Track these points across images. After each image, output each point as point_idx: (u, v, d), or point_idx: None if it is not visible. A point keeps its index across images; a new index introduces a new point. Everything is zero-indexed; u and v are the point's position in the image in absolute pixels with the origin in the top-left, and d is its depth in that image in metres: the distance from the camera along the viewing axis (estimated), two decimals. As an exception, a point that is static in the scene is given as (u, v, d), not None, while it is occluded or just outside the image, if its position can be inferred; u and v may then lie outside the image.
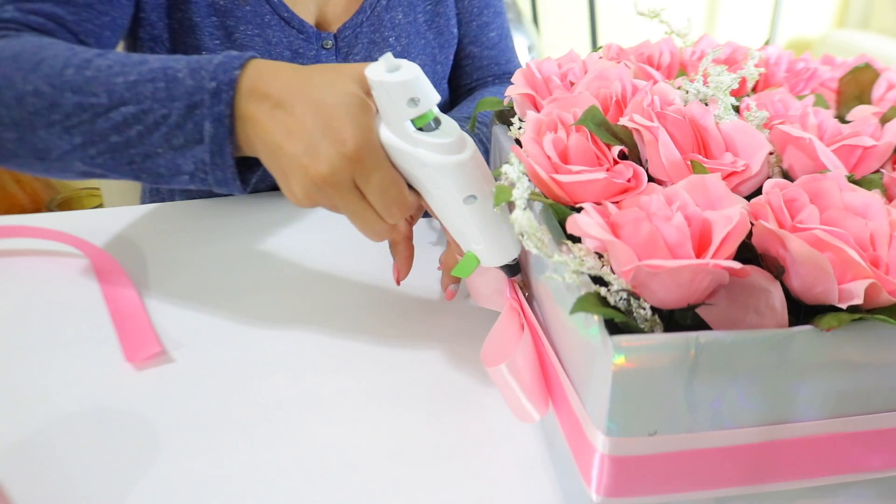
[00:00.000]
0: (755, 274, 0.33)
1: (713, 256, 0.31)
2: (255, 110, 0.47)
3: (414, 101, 0.42)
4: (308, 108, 0.45)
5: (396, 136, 0.43)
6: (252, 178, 0.53)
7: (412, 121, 0.42)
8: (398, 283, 0.56)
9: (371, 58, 0.81)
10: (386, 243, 0.61)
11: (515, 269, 0.46)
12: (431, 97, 0.42)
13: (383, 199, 0.45)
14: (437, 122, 0.43)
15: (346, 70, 0.47)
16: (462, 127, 0.50)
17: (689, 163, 0.39)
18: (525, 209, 0.35)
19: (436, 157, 0.42)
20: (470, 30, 0.90)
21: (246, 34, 0.74)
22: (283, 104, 0.46)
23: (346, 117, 0.44)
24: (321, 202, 0.46)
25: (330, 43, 0.79)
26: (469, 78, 0.92)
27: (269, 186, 0.80)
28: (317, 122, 0.44)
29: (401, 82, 0.41)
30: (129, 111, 0.49)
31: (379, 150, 0.44)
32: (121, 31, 0.70)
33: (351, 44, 0.80)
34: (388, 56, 0.42)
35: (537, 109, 0.49)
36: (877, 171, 0.43)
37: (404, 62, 0.43)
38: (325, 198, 0.46)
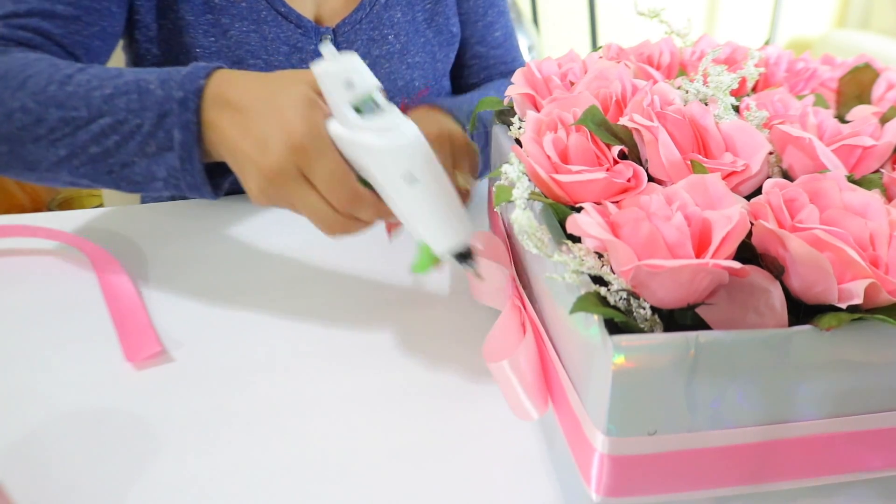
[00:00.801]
0: (755, 274, 0.33)
1: (713, 256, 0.31)
2: (218, 116, 0.49)
3: (350, 84, 0.44)
4: (262, 109, 0.47)
5: (341, 125, 0.45)
6: (224, 182, 0.55)
7: (354, 107, 0.44)
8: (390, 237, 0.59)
9: (370, 55, 0.81)
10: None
11: (467, 258, 0.46)
12: (369, 80, 0.45)
13: (331, 187, 0.46)
14: (378, 106, 0.45)
15: (301, 75, 0.49)
16: (461, 119, 0.51)
17: (688, 163, 0.39)
18: (525, 209, 0.35)
19: (375, 139, 0.44)
20: (476, 30, 0.91)
21: (241, 31, 0.74)
22: (241, 109, 0.48)
23: (293, 112, 0.46)
24: (275, 198, 0.48)
25: (329, 38, 0.79)
26: (476, 77, 0.93)
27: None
28: (268, 120, 0.46)
29: (337, 67, 0.44)
30: (107, 122, 0.52)
31: (324, 138, 0.46)
32: (113, 39, 0.71)
33: (350, 39, 0.80)
34: (328, 46, 0.45)
35: (537, 109, 0.49)
36: (876, 171, 0.43)
37: (346, 52, 0.46)
38: (278, 191, 0.47)
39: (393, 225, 0.57)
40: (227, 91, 0.49)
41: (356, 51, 0.80)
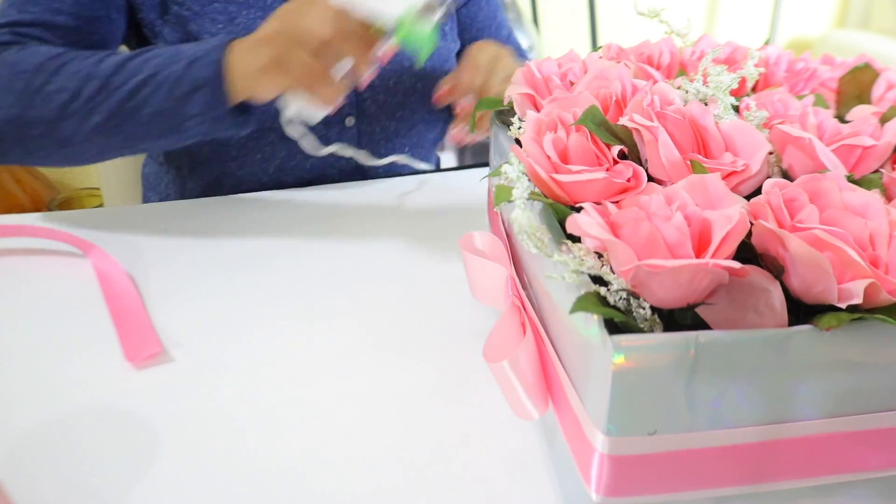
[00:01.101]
0: (755, 274, 0.33)
1: (713, 256, 0.31)
2: (240, 50, 0.61)
3: None
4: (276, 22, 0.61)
5: None
6: (251, 118, 0.65)
7: None
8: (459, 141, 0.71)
9: None
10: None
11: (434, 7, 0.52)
12: None
13: (322, 20, 0.58)
14: None
15: None
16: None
17: (688, 162, 0.39)
18: (525, 209, 0.35)
19: None
20: (490, 33, 0.95)
21: (249, 18, 0.75)
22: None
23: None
24: (275, 65, 0.59)
25: None
26: None
27: (269, 185, 0.81)
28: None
29: None
30: (140, 79, 0.61)
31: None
32: (114, 45, 0.74)
33: None
34: None
35: (537, 109, 0.49)
36: (876, 171, 0.43)
37: None
38: (277, 53, 0.59)
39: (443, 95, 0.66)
40: (247, 38, 0.61)
41: None
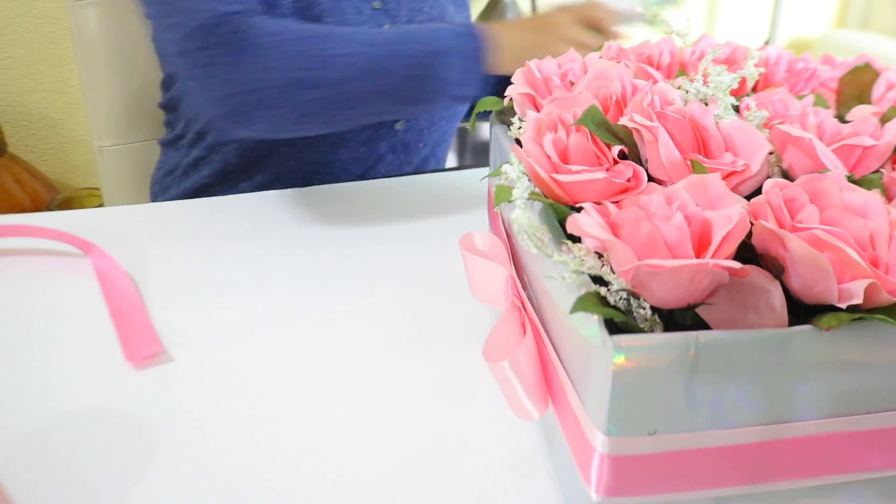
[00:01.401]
0: (755, 274, 0.33)
1: (713, 256, 0.31)
2: (502, 27, 0.70)
3: None
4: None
5: None
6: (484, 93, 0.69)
7: None
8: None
9: (414, 21, 0.87)
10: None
11: None
12: None
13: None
14: None
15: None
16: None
17: (688, 162, 0.39)
18: (525, 209, 0.35)
19: None
20: None
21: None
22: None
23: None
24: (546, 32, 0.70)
25: (379, 3, 0.84)
26: None
27: (268, 185, 0.81)
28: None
29: None
30: (420, 48, 0.67)
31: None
32: None
33: (395, 9, 0.85)
34: None
35: (537, 109, 0.49)
36: (876, 171, 0.42)
37: None
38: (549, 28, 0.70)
39: None
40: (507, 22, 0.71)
41: (402, 17, 0.87)
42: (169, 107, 0.92)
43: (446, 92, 0.69)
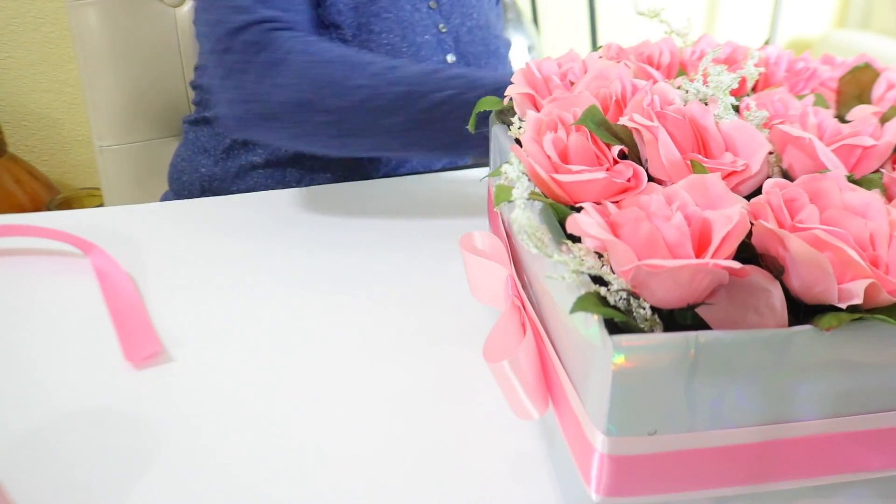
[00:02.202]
0: (755, 274, 0.33)
1: (713, 256, 0.31)
2: None
3: None
4: None
5: None
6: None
7: None
8: None
9: (465, 25, 0.89)
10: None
11: None
12: None
13: None
14: None
15: None
16: None
17: (688, 162, 0.39)
18: (525, 209, 0.35)
19: None
20: None
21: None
22: None
23: None
24: None
25: (434, 4, 0.86)
26: None
27: (316, 170, 0.82)
28: None
29: None
30: (444, 94, 0.65)
31: None
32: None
33: (449, 11, 0.87)
34: None
35: (537, 109, 0.49)
36: (877, 171, 0.42)
37: None
38: None
39: None
40: None
41: (455, 19, 0.89)
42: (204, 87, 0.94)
43: (444, 145, 0.69)
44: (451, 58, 0.86)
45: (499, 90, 0.61)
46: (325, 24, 0.79)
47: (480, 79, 0.66)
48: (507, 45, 0.97)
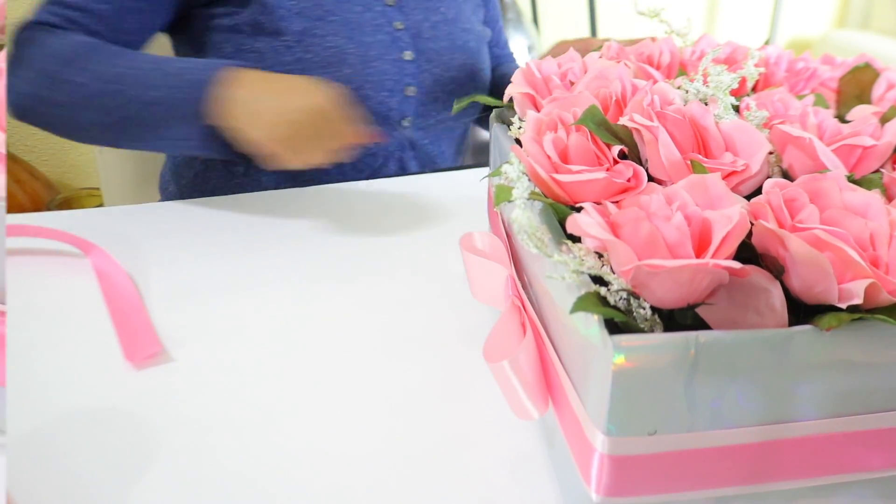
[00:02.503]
0: (755, 274, 0.33)
1: (713, 256, 0.31)
2: (237, 89, 0.66)
3: None
4: (282, 85, 0.68)
5: None
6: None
7: None
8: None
9: (429, 19, 0.87)
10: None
11: None
12: None
13: (337, 141, 0.67)
14: None
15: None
16: None
17: (688, 162, 0.39)
18: (525, 209, 0.35)
19: None
20: (494, 33, 1.02)
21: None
22: (262, 80, 0.67)
23: (314, 86, 0.67)
24: (286, 144, 0.65)
25: (392, 0, 0.84)
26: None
27: (269, 186, 0.81)
28: (294, 85, 0.68)
29: None
30: (150, 96, 0.67)
31: (340, 108, 0.67)
32: (151, 34, 0.80)
33: (411, 6, 0.86)
34: None
35: (537, 109, 0.49)
36: (877, 171, 0.43)
37: None
38: (292, 140, 0.65)
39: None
40: (243, 76, 0.66)
41: (416, 15, 0.86)
42: None
43: (156, 139, 0.70)
44: (408, 55, 0.84)
45: (198, 86, 0.65)
46: (266, 32, 0.78)
47: (183, 71, 0.68)
48: (480, 37, 0.95)
